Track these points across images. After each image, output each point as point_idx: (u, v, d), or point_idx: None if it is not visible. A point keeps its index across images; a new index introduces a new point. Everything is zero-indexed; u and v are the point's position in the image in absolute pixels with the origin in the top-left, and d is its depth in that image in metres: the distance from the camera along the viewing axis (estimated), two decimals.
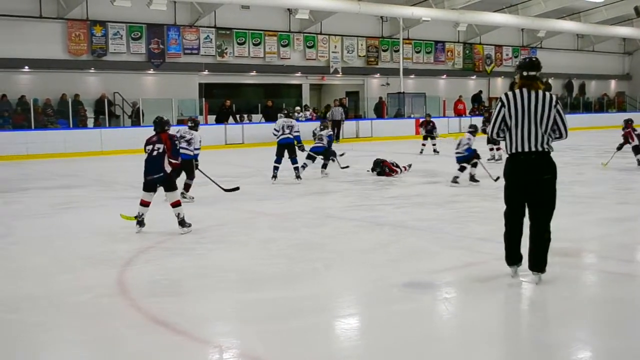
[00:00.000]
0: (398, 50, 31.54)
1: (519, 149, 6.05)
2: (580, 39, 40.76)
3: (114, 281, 6.42)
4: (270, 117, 27.66)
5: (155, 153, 8.76)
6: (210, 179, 11.90)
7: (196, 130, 11.97)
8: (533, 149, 6.01)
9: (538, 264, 6.17)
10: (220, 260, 7.36)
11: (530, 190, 6.16)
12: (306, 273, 6.72)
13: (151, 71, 26.65)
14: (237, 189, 12.03)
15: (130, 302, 5.81)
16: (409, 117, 30.34)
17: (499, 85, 38.31)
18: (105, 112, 24.21)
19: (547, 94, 6.08)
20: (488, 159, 16.83)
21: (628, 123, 16.85)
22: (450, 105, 33.32)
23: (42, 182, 15.05)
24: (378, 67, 32.51)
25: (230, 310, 5.67)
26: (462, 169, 13.31)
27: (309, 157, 15.09)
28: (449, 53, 35.17)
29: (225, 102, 26.93)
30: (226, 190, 11.81)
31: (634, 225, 9.24)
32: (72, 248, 8.09)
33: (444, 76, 35.38)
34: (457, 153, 13.57)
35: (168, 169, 8.75)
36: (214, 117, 26.62)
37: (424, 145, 20.98)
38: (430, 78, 34.58)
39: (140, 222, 8.79)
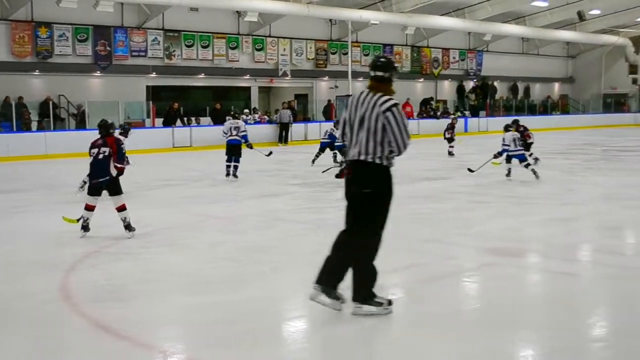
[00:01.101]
0: (347, 53, 31.67)
1: (350, 157, 5.43)
2: (525, 43, 41.44)
3: (58, 286, 6.32)
4: (218, 120, 27.54)
5: (100, 156, 8.66)
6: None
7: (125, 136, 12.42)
8: (357, 156, 5.32)
9: (358, 292, 5.38)
10: (166, 264, 7.30)
11: (350, 201, 5.45)
12: (254, 276, 6.71)
13: (98, 73, 26.30)
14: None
15: (74, 308, 5.73)
16: None
17: (446, 88, 38.76)
18: (50, 115, 23.82)
19: (384, 98, 5.34)
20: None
21: (517, 124, 16.65)
22: None
23: None
24: (327, 69, 32.60)
25: (176, 314, 5.63)
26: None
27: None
28: (397, 56, 35.42)
29: (173, 105, 26.71)
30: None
31: (576, 226, 9.43)
32: (16, 253, 7.95)
33: None
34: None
35: (114, 172, 8.66)
36: (161, 120, 26.39)
37: (452, 147, 20.67)
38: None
39: (85, 227, 8.65)
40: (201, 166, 17.79)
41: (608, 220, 9.61)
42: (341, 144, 15.81)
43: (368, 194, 5.32)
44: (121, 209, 8.66)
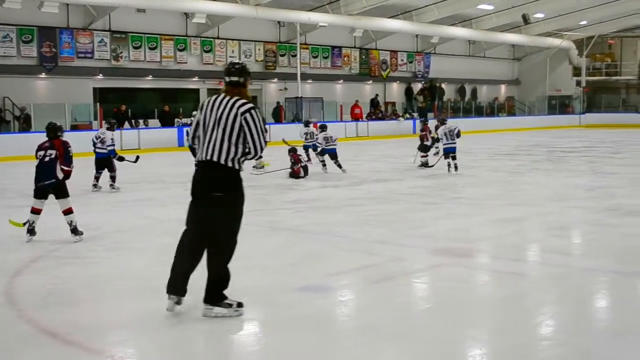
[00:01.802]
0: (295, 55, 31.68)
1: (199, 158, 5.39)
2: (472, 45, 41.98)
3: (2, 292, 6.18)
4: (167, 122, 27.37)
5: (47, 159, 8.53)
6: (129, 161, 13.76)
7: (112, 130, 14.00)
8: (208, 157, 5.29)
9: (212, 296, 5.45)
10: (115, 268, 7.20)
11: (202, 206, 5.37)
12: (202, 279, 6.65)
13: (43, 75, 25.89)
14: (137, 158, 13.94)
15: (19, 314, 5.61)
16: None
17: (395, 90, 39.04)
18: None
19: (242, 101, 5.36)
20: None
21: (424, 124, 18.29)
22: (347, 110, 33.68)
23: None
24: (276, 71, 32.58)
25: (125, 319, 5.54)
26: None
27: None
28: (345, 58, 35.57)
29: (121, 107, 26.43)
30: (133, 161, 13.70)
31: (523, 226, 9.57)
32: None
33: (341, 81, 35.78)
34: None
35: (60, 175, 8.53)
36: None
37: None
38: (327, 83, 34.90)
39: (31, 231, 8.52)
40: (150, 168, 17.60)
41: (554, 221, 9.76)
42: (310, 144, 16.46)
43: (219, 197, 5.29)
44: (67, 212, 8.54)
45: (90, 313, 5.64)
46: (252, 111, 5.34)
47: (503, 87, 45.92)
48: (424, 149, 17.36)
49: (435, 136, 17.35)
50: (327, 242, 8.36)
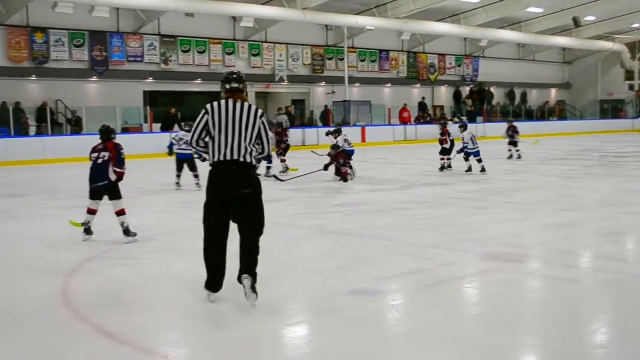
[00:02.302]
0: (343, 59, 31.71)
1: (221, 158, 5.74)
2: (521, 48, 41.56)
3: (59, 291, 6.30)
4: None
5: (100, 161, 8.72)
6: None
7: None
8: (235, 157, 5.72)
9: (248, 269, 5.81)
10: (166, 269, 7.27)
11: (231, 203, 5.77)
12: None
13: (94, 78, 26.32)
14: None
15: (75, 313, 5.70)
16: (355, 125, 30.45)
17: (443, 94, 38.82)
18: (48, 120, 23.82)
19: (255, 107, 5.91)
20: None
21: (444, 127, 17.97)
22: (395, 113, 33.58)
23: None
24: (323, 75, 32.64)
25: (176, 319, 5.61)
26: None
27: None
28: (393, 61, 35.49)
29: (170, 110, 26.71)
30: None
31: (575, 231, 9.42)
32: (16, 258, 7.93)
33: (389, 84, 35.70)
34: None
35: (113, 177, 8.70)
36: (159, 125, 26.37)
37: (510, 150, 20.83)
38: (375, 86, 34.86)
39: (87, 230, 8.75)
40: (199, 171, 17.72)
41: (608, 226, 9.59)
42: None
43: (251, 193, 5.78)
44: (120, 213, 8.70)
45: (143, 313, 5.71)
46: (264, 116, 5.96)
47: (553, 91, 45.33)
48: (445, 152, 17.36)
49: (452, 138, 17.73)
50: (376, 246, 8.33)
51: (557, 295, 6.21)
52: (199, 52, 28.67)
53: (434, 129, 33.47)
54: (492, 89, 39.79)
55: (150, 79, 27.58)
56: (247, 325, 5.33)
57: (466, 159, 16.82)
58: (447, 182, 15.15)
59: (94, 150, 8.84)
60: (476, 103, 37.63)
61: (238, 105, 5.83)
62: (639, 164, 19.61)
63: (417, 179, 15.62)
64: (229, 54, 29.53)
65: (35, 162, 21.22)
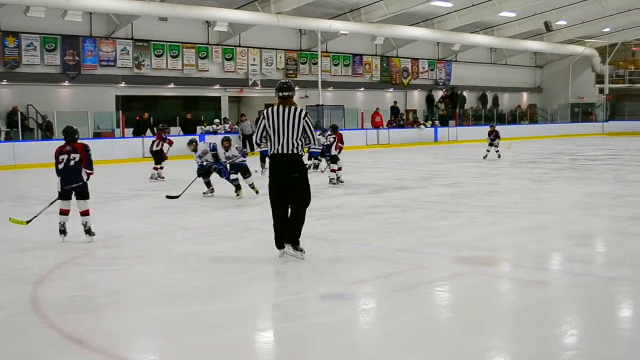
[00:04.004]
0: (316, 63, 31.77)
1: (277, 151, 7.51)
2: (493, 53, 41.87)
3: (28, 298, 6.24)
4: (189, 130, 27.47)
5: (72, 163, 8.87)
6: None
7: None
8: (286, 151, 7.47)
9: (290, 238, 7.58)
10: (138, 275, 7.24)
11: (285, 184, 7.55)
12: (225, 287, 6.68)
13: (66, 83, 26.12)
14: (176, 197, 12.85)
15: (45, 320, 5.65)
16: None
17: (416, 98, 38.98)
18: (19, 125, 23.60)
19: (300, 109, 7.60)
20: None
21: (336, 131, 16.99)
22: (368, 117, 33.68)
23: None
24: (297, 79, 32.59)
25: (148, 325, 5.59)
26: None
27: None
28: (366, 66, 35.59)
29: (143, 115, 26.58)
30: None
31: (545, 234, 9.49)
32: None
33: (362, 89, 35.78)
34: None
35: (85, 177, 8.88)
36: (131, 130, 26.23)
37: (488, 151, 22.74)
38: (348, 90, 34.92)
39: (63, 231, 8.87)
40: (171, 176, 17.67)
41: (577, 229, 9.70)
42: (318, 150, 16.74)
43: (298, 177, 7.59)
44: (85, 213, 8.89)
45: (115, 320, 5.67)
46: (308, 115, 7.67)
47: (525, 95, 45.72)
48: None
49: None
50: (348, 250, 8.35)
51: (527, 298, 6.25)
52: (172, 57, 28.57)
53: (406, 133, 33.84)
54: (464, 93, 40.05)
55: (122, 84, 27.42)
56: (218, 331, 5.32)
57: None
58: (419, 186, 15.23)
59: (62, 152, 8.89)
60: (449, 107, 37.85)
61: (287, 109, 7.52)
62: (609, 167, 19.81)
63: (390, 183, 15.67)
64: (202, 58, 29.45)
65: (5, 168, 21.03)
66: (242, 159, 13.40)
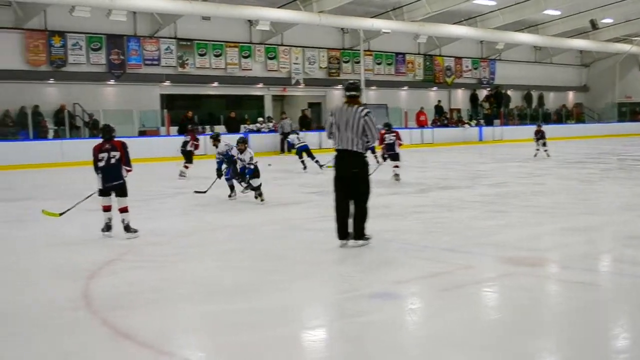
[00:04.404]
0: (359, 62, 31.72)
1: (340, 147, 8.07)
2: (538, 51, 41.40)
3: (79, 294, 6.32)
4: (232, 128, 27.64)
5: (113, 160, 9.01)
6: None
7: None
8: (348, 147, 8.02)
9: (358, 233, 8.13)
10: (182, 272, 7.28)
11: (347, 178, 8.09)
12: (273, 284, 6.68)
13: (111, 82, 26.46)
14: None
15: (95, 315, 5.72)
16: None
17: (460, 96, 38.71)
18: (66, 123, 23.96)
19: (362, 108, 8.07)
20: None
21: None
22: (412, 117, 33.52)
23: (3, 194, 14.85)
24: (340, 78, 32.63)
25: (195, 322, 5.61)
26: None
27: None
28: (409, 65, 35.46)
29: (187, 113, 26.81)
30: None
31: (594, 235, 9.33)
32: (35, 261, 7.99)
33: (405, 87, 35.64)
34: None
35: (125, 175, 9.05)
36: (175, 128, 26.46)
37: (537, 150, 22.99)
38: (391, 89, 34.82)
39: (109, 227, 9.03)
40: (214, 175, 17.76)
41: (626, 230, 9.50)
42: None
43: (359, 172, 8.10)
44: (124, 210, 9.02)
45: (161, 316, 5.71)
46: (369, 114, 8.06)
47: (571, 94, 45.12)
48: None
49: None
50: (395, 249, 8.30)
51: (576, 300, 6.15)
52: (215, 56, 28.76)
53: (451, 132, 33.62)
54: (509, 92, 39.65)
55: (167, 83, 27.69)
56: (266, 328, 5.32)
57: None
58: (465, 185, 15.09)
59: (101, 150, 9.01)
60: (493, 106, 37.51)
61: (351, 108, 8.06)
62: None
63: (435, 183, 15.57)
64: (245, 57, 29.60)
65: (53, 165, 21.36)
66: (252, 167, 12.54)
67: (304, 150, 19.40)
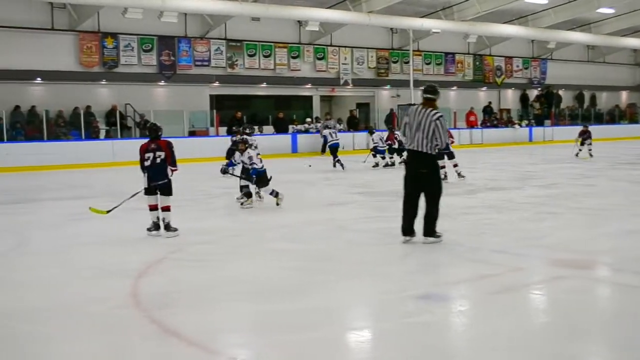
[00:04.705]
0: (408, 62, 31.56)
1: (411, 147, 8.33)
2: (590, 50, 40.71)
3: (128, 292, 6.40)
4: (281, 129, 27.75)
5: (159, 160, 9.12)
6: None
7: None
8: (417, 148, 8.24)
9: (427, 231, 8.36)
10: (232, 272, 7.33)
11: (416, 178, 8.33)
12: (319, 285, 6.69)
13: (162, 83, 26.77)
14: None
15: (144, 313, 5.79)
16: None
17: (510, 97, 38.29)
18: (117, 124, 24.32)
19: (434, 111, 8.24)
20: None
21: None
22: (461, 117, 33.26)
23: (55, 193, 15.12)
24: (388, 78, 32.54)
25: (242, 322, 5.64)
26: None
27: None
28: (459, 64, 35.19)
29: (236, 114, 26.99)
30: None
31: None
32: (84, 259, 8.10)
33: (455, 88, 35.36)
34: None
35: (170, 175, 9.18)
36: (224, 128, 26.65)
37: (580, 149, 23.03)
38: (440, 89, 34.37)
39: (157, 225, 9.15)
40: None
41: None
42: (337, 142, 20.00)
43: (427, 173, 8.33)
44: (166, 209, 9.13)
45: (210, 315, 5.75)
46: (440, 118, 8.24)
47: (624, 94, 44.28)
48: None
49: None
50: (443, 251, 8.24)
51: (629, 304, 6.03)
52: (264, 56, 28.89)
53: (500, 133, 33.28)
54: (560, 92, 39.08)
55: (216, 83, 27.91)
56: (313, 328, 5.33)
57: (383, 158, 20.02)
58: (514, 186, 14.92)
59: (147, 150, 9.13)
60: (544, 106, 37.01)
61: (424, 110, 8.26)
62: None
63: (484, 184, 15.42)
64: (294, 57, 29.68)
65: (105, 165, 21.69)
66: (258, 166, 12.11)
67: (335, 148, 20.16)
